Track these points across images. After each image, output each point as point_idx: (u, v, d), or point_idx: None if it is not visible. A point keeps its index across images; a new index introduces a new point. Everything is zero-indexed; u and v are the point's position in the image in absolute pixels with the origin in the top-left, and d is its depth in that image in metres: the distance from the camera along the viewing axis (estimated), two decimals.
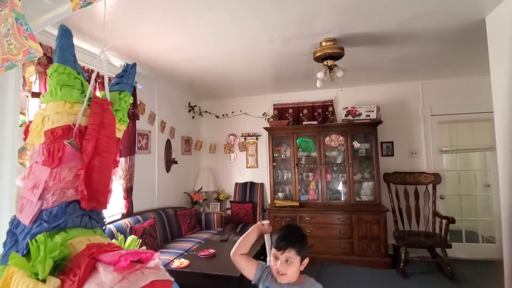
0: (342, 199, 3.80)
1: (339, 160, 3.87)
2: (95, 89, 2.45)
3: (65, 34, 0.55)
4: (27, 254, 0.45)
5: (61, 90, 0.52)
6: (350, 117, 3.80)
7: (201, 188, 4.27)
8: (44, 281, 0.41)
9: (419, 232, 3.47)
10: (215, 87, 3.94)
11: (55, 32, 1.90)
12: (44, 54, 1.98)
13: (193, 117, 4.51)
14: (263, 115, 4.36)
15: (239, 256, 1.24)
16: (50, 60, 2.03)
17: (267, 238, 1.29)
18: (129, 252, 0.43)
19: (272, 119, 4.20)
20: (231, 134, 4.57)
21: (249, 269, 1.23)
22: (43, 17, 0.85)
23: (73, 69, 0.55)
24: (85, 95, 0.55)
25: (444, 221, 3.20)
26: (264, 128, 4.08)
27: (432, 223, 3.42)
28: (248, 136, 4.47)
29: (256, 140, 4.45)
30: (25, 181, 0.51)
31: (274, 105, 4.34)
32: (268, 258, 1.22)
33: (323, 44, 2.47)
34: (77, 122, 0.52)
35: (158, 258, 0.45)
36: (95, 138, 0.49)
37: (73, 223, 0.48)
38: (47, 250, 0.41)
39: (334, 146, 3.86)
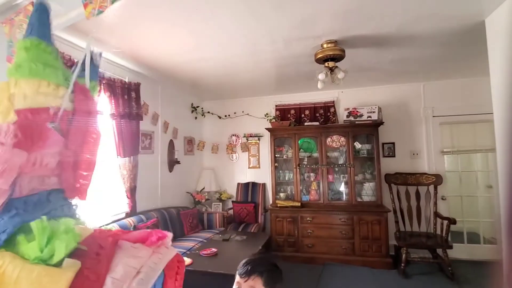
0: (344, 199, 3.82)
1: (340, 161, 3.89)
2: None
3: (42, 8, 0.49)
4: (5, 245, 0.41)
5: (45, 69, 0.47)
6: (351, 118, 3.82)
7: (204, 188, 4.31)
8: (54, 266, 0.39)
9: (420, 232, 3.48)
10: (218, 88, 3.98)
11: (63, 35, 1.95)
12: None
13: (195, 118, 4.56)
14: (265, 116, 4.39)
15: None
16: None
17: None
18: (155, 230, 0.46)
19: (274, 120, 4.23)
20: (233, 135, 4.61)
21: None
22: (54, 22, 0.89)
23: (53, 47, 0.51)
24: (67, 79, 0.51)
25: (445, 222, 3.21)
26: (266, 128, 4.11)
27: (434, 224, 3.43)
28: (250, 136, 4.50)
29: (258, 141, 4.48)
30: None
31: (276, 106, 4.37)
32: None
33: (324, 46, 2.50)
34: (62, 106, 0.48)
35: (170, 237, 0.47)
36: (84, 126, 0.48)
37: (62, 212, 0.46)
38: (59, 232, 0.40)
39: (336, 147, 3.88)
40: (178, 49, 2.61)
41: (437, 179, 3.50)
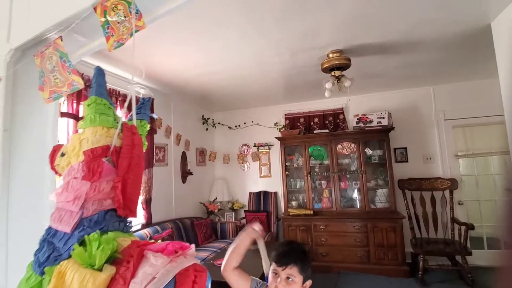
0: (357, 206, 3.79)
1: (352, 168, 3.88)
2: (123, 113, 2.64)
3: (101, 73, 0.66)
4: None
5: (100, 117, 0.63)
6: (361, 124, 3.82)
7: (216, 198, 4.37)
8: (99, 270, 0.49)
9: (437, 239, 3.40)
10: (227, 100, 4.08)
11: (87, 59, 2.10)
12: None
13: (206, 129, 4.67)
14: (275, 125, 4.45)
15: (231, 271, 1.12)
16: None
17: (260, 245, 1.13)
18: (173, 242, 0.54)
19: (283, 129, 4.27)
20: (244, 145, 4.67)
21: (242, 286, 1.11)
22: (79, 51, 0.99)
23: (107, 101, 0.66)
24: (117, 122, 0.65)
25: (463, 228, 3.13)
26: (276, 137, 4.16)
27: (451, 229, 3.35)
28: (261, 146, 4.55)
29: (268, 150, 4.53)
30: (62, 195, 0.59)
31: (285, 114, 4.43)
32: (264, 267, 1.13)
33: (330, 55, 2.55)
34: (112, 143, 0.62)
35: (194, 249, 0.55)
36: (129, 157, 0.59)
37: (113, 227, 0.57)
38: (103, 242, 0.50)
39: (347, 153, 3.87)
40: (189, 65, 2.72)
41: (453, 184, 3.43)
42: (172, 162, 3.65)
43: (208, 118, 4.65)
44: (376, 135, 3.77)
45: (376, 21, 2.06)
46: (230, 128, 4.75)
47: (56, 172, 0.70)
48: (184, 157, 3.92)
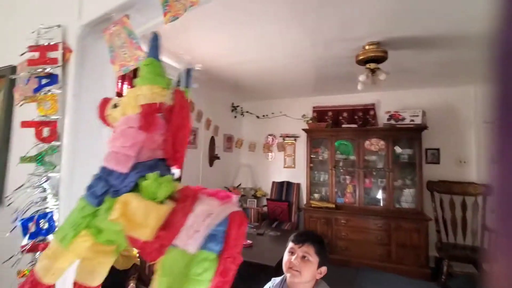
0: (381, 204, 3.73)
1: (379, 165, 3.81)
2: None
3: (157, 39, 0.74)
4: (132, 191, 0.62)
5: (156, 78, 0.69)
6: (392, 122, 3.72)
7: (240, 184, 4.50)
8: (160, 203, 0.57)
9: (465, 245, 3.27)
10: (257, 89, 4.15)
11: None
12: None
13: (235, 117, 4.79)
14: (302, 117, 4.46)
15: None
16: None
17: None
18: (221, 190, 0.63)
19: (311, 121, 4.27)
20: (270, 134, 4.74)
21: None
22: (137, 30, 1.10)
23: (162, 65, 0.73)
24: (169, 84, 0.73)
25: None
26: (303, 129, 4.18)
27: (481, 237, 3.20)
28: (287, 137, 4.59)
29: (294, 141, 4.56)
30: (119, 140, 0.66)
31: (313, 107, 4.41)
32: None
33: (366, 47, 2.51)
34: (166, 102, 0.69)
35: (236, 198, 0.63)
36: (180, 116, 0.67)
37: (163, 174, 0.64)
38: (167, 181, 0.59)
39: (374, 150, 3.80)
40: (222, 53, 2.81)
41: (488, 190, 3.25)
42: (201, 145, 3.82)
43: (237, 106, 4.77)
44: (408, 134, 3.65)
45: (421, 13, 1.99)
46: (258, 117, 4.83)
47: (105, 122, 0.78)
48: (212, 141, 4.08)
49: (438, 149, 3.75)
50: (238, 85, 3.95)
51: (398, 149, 3.68)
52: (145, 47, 0.84)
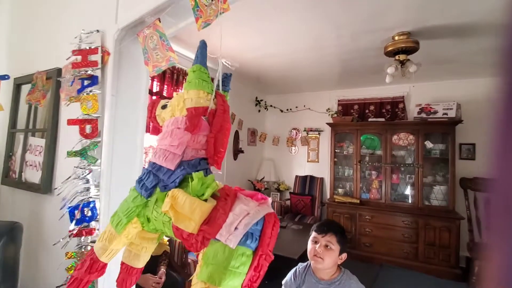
0: (409, 201, 3.61)
1: (407, 161, 3.67)
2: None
3: (204, 46, 0.79)
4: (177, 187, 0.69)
5: (202, 83, 0.74)
6: (423, 115, 3.55)
7: (263, 177, 4.56)
8: (205, 201, 0.64)
9: None
10: (281, 83, 4.14)
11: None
12: None
13: (259, 111, 4.82)
14: (327, 110, 4.39)
15: None
16: None
17: None
18: (258, 192, 0.68)
19: (335, 115, 4.20)
20: (293, 128, 4.73)
21: None
22: (167, 32, 1.16)
23: (207, 71, 0.78)
24: (212, 89, 0.78)
25: None
26: (327, 123, 4.11)
27: None
28: (311, 131, 4.56)
29: (318, 135, 4.51)
30: (167, 139, 0.73)
31: (338, 100, 4.32)
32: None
33: (396, 38, 2.41)
34: (209, 106, 0.74)
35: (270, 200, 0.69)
36: (221, 119, 0.72)
37: (205, 173, 0.70)
38: (210, 181, 0.65)
39: (403, 145, 3.66)
40: (247, 47, 2.84)
41: (488, 185, 3.02)
42: None
43: (261, 100, 4.79)
44: (440, 128, 3.47)
45: (453, 1, 1.88)
46: (282, 111, 4.83)
47: (154, 121, 0.84)
48: (237, 135, 4.15)
49: (473, 144, 3.53)
50: (262, 79, 3.96)
51: (429, 144, 3.52)
52: (175, 48, 0.89)
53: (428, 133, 3.53)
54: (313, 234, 1.18)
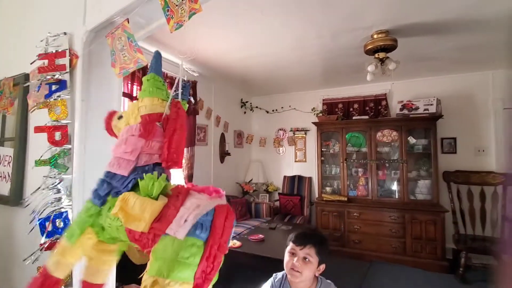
0: (395, 196, 3.66)
1: (392, 157, 3.73)
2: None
3: (159, 56, 0.82)
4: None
5: (156, 90, 0.77)
6: (405, 111, 3.62)
7: (252, 179, 4.53)
8: (155, 199, 0.65)
9: (484, 237, 3.17)
10: (266, 84, 4.13)
11: (143, 44, 2.31)
12: None
13: (244, 112, 4.80)
14: (312, 110, 4.41)
15: None
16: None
17: None
18: (211, 186, 0.69)
19: (321, 114, 4.22)
20: (280, 129, 4.73)
21: None
22: (139, 33, 1.12)
23: (162, 79, 0.81)
24: (168, 96, 0.80)
25: None
26: (313, 123, 4.14)
27: (501, 227, 3.08)
28: (297, 130, 4.57)
29: (304, 135, 4.53)
30: (121, 147, 0.74)
31: (323, 100, 4.36)
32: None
33: (375, 36, 2.44)
34: (164, 112, 0.76)
35: (225, 195, 0.70)
36: (174, 124, 0.73)
37: (160, 175, 0.71)
38: (159, 180, 0.66)
39: (387, 141, 3.72)
40: (229, 49, 2.81)
41: (508, 179, 3.12)
42: (211, 142, 3.86)
43: (247, 102, 4.77)
44: (422, 123, 3.55)
45: None
46: (268, 112, 4.82)
47: (111, 132, 0.86)
48: (223, 138, 4.11)
49: (454, 138, 3.63)
50: (246, 80, 3.95)
51: (412, 140, 3.59)
52: (144, 49, 0.86)
53: (411, 129, 3.60)
54: (291, 245, 1.11)
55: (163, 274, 0.58)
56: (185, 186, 0.70)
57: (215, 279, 0.63)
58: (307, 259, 1.07)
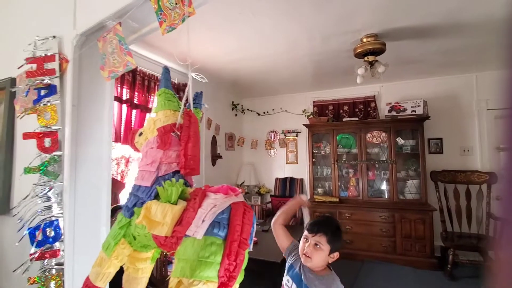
0: (385, 196, 3.73)
1: (381, 157, 3.80)
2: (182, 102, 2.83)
3: (167, 71, 0.86)
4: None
5: (168, 103, 0.82)
6: (394, 113, 3.70)
7: (243, 182, 4.52)
8: (175, 204, 0.67)
9: (470, 234, 3.27)
10: (257, 86, 4.14)
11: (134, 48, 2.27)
12: None
13: (236, 115, 4.79)
14: (303, 112, 4.45)
15: (279, 226, 1.30)
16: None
17: (305, 212, 1.35)
18: (226, 185, 0.72)
19: (311, 116, 4.26)
20: (271, 131, 4.74)
21: (284, 240, 1.28)
22: (131, 37, 1.11)
23: (172, 92, 0.86)
24: (180, 107, 0.84)
25: (499, 223, 2.97)
26: (304, 125, 4.17)
27: (486, 225, 3.19)
28: (288, 132, 4.59)
29: (296, 137, 4.56)
30: (143, 161, 0.79)
31: (314, 102, 4.40)
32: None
33: (364, 40, 2.49)
34: (177, 122, 0.80)
35: (241, 193, 0.73)
36: (187, 131, 0.75)
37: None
38: (176, 186, 0.68)
39: (376, 142, 3.79)
40: (221, 52, 2.81)
41: (491, 178, 3.24)
42: (203, 145, 3.83)
43: (238, 104, 4.76)
44: (410, 124, 3.63)
45: (416, 2, 1.97)
46: (259, 114, 4.83)
47: (135, 148, 0.90)
48: (214, 141, 4.09)
49: (441, 139, 3.73)
50: (237, 83, 3.94)
51: (400, 141, 3.67)
52: (134, 52, 0.85)
53: (399, 130, 3.68)
54: (305, 232, 1.19)
55: (186, 274, 0.60)
56: (201, 188, 0.73)
57: (241, 277, 0.64)
58: (318, 246, 1.13)
